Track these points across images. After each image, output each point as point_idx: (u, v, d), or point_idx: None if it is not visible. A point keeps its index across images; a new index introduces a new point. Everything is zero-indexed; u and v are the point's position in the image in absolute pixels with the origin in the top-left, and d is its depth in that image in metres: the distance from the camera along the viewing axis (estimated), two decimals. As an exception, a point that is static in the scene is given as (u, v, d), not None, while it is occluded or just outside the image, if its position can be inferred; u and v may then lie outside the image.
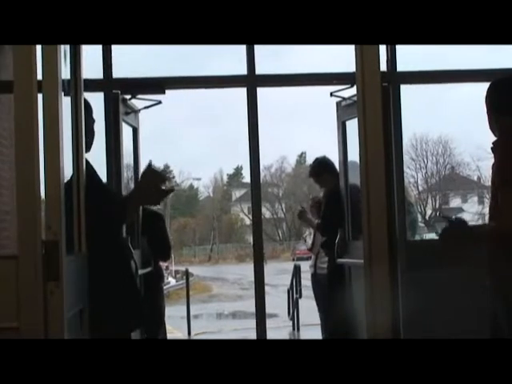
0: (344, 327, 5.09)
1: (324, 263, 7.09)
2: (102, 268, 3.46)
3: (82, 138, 3.44)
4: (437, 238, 3.41)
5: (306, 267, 8.10)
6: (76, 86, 3.45)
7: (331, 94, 5.19)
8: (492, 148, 3.23)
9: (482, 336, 3.08)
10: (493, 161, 3.22)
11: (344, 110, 5.33)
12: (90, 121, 3.65)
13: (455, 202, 44.62)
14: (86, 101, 3.63)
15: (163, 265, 6.56)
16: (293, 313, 12.70)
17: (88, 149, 3.60)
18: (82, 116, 3.46)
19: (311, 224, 6.85)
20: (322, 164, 6.27)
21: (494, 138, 3.27)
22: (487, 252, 3.23)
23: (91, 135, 3.66)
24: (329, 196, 6.08)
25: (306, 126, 69.22)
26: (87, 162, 3.56)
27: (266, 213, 47.02)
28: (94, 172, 3.65)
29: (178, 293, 22.38)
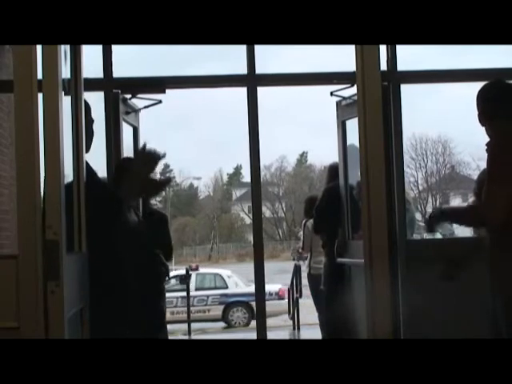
0: (342, 326, 5.09)
1: (317, 263, 7.11)
2: (101, 268, 3.47)
3: (83, 137, 3.44)
4: (437, 237, 3.43)
5: (305, 267, 8.11)
6: (76, 85, 3.45)
7: (331, 94, 5.19)
8: (486, 149, 3.26)
9: (481, 336, 3.08)
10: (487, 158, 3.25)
11: (344, 110, 5.33)
12: (88, 121, 3.65)
13: (455, 202, 44.60)
14: (84, 101, 3.62)
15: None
16: (293, 312, 12.69)
17: (87, 150, 3.60)
18: (83, 116, 3.46)
19: None
20: None
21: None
22: (487, 251, 3.24)
23: (90, 136, 3.67)
24: (325, 192, 6.06)
25: (306, 125, 69.19)
26: (87, 163, 3.56)
27: (266, 212, 47.00)
28: (93, 172, 3.66)
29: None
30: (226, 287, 16.61)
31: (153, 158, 3.73)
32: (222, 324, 16.07)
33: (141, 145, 3.75)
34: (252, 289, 17.64)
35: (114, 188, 3.95)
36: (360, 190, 4.05)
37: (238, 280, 17.21)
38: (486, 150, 3.26)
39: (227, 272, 17.85)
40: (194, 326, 12.49)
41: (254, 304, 16.59)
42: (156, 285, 4.49)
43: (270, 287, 17.31)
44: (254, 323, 15.79)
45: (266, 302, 17.52)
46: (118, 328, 3.46)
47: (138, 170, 3.56)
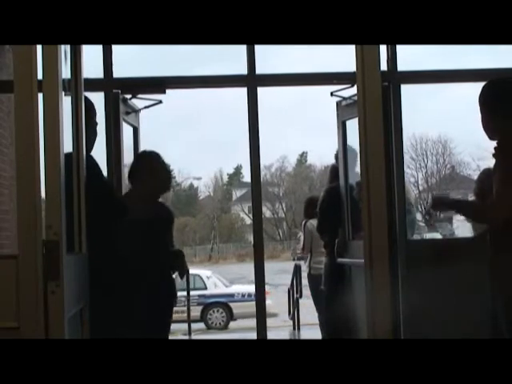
0: (342, 326, 5.10)
1: (317, 263, 7.12)
2: (105, 267, 3.49)
3: (83, 137, 3.45)
4: (437, 237, 3.43)
5: (305, 267, 8.11)
6: (76, 85, 3.45)
7: (331, 94, 5.19)
8: (494, 153, 3.25)
9: (482, 336, 3.08)
10: (494, 162, 3.24)
11: (344, 110, 5.33)
12: (93, 122, 3.69)
13: (455, 202, 44.66)
14: (90, 102, 3.66)
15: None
16: (293, 312, 12.69)
17: (90, 150, 3.63)
18: (83, 116, 3.47)
19: None
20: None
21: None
22: (488, 251, 3.24)
23: (94, 137, 3.71)
24: (326, 193, 6.04)
25: (307, 125, 69.14)
26: (91, 157, 3.62)
27: (266, 212, 46.99)
28: (98, 167, 3.72)
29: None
30: (205, 288, 16.52)
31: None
32: (201, 325, 15.98)
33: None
34: (231, 290, 17.67)
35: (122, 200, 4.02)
36: (360, 190, 4.05)
37: (216, 281, 17.15)
38: (494, 154, 3.26)
39: (207, 273, 17.73)
40: (173, 326, 12.45)
41: (232, 305, 16.66)
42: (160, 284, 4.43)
43: (249, 288, 17.39)
44: (232, 324, 15.91)
45: (245, 303, 17.31)
46: (127, 328, 3.50)
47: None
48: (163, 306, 4.12)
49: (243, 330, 14.16)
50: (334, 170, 6.00)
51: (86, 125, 3.58)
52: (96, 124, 3.76)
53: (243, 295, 16.53)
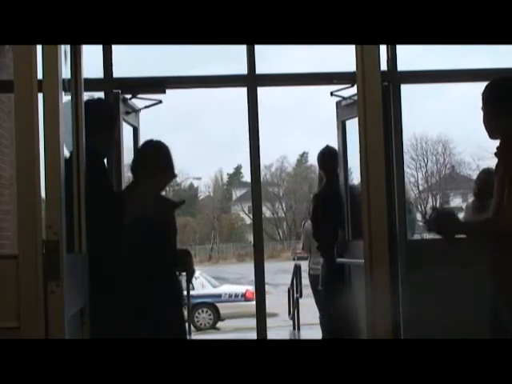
0: (342, 326, 5.10)
1: (317, 264, 7.14)
2: (106, 267, 3.49)
3: (83, 137, 3.45)
4: (437, 237, 3.42)
5: (306, 267, 8.11)
6: (76, 85, 3.46)
7: (331, 94, 5.19)
8: (496, 153, 3.24)
9: (481, 336, 3.08)
10: (496, 162, 3.23)
11: (344, 110, 5.33)
12: (115, 126, 3.81)
13: (456, 202, 44.64)
14: (111, 106, 3.75)
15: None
16: (293, 312, 12.70)
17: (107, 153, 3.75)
18: (83, 116, 3.47)
19: None
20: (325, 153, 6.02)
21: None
22: (488, 251, 3.24)
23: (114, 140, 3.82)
24: (316, 200, 6.02)
25: (306, 125, 69.23)
26: (102, 161, 3.76)
27: (266, 212, 47.02)
28: (105, 172, 3.75)
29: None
30: (192, 288, 16.48)
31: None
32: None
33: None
34: (218, 290, 17.62)
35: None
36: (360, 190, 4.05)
37: (204, 281, 17.11)
38: (496, 153, 3.25)
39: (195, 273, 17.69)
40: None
41: (219, 305, 16.56)
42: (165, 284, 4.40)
43: (236, 288, 17.38)
44: (220, 324, 15.80)
45: (232, 304, 17.15)
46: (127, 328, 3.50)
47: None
48: (171, 305, 4.09)
49: (235, 330, 14.15)
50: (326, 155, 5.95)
51: (109, 129, 3.80)
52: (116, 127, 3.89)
53: (230, 295, 16.51)
